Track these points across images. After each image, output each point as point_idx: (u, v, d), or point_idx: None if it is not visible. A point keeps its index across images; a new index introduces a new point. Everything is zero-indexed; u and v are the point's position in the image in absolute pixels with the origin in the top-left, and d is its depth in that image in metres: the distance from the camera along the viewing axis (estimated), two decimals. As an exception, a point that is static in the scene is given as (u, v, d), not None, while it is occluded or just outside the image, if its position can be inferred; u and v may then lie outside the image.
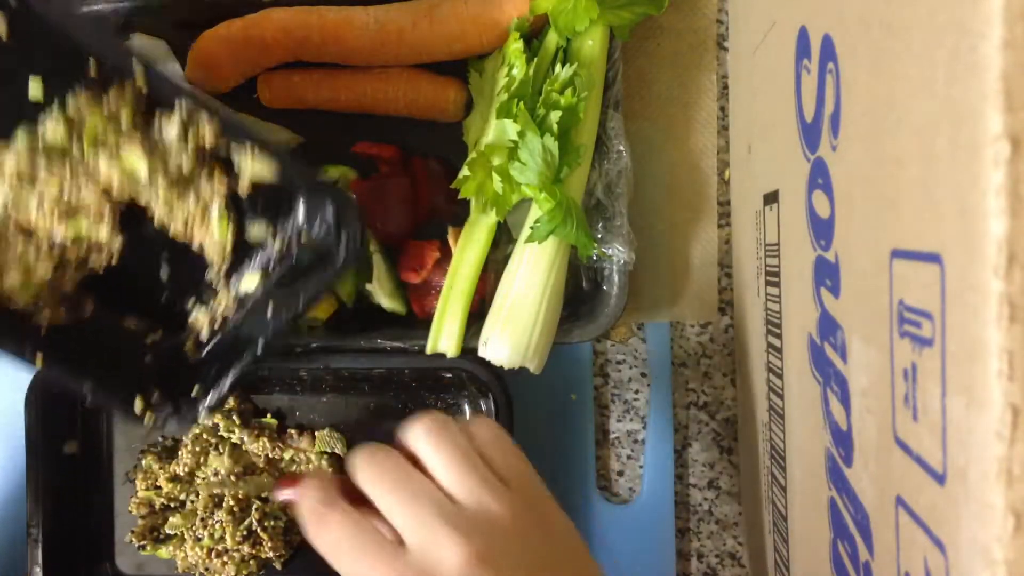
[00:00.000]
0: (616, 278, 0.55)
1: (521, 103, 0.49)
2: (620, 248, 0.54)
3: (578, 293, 0.57)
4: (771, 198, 0.47)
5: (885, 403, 0.29)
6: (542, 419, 0.61)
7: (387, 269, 0.58)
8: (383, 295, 0.58)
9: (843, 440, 0.35)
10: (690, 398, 0.62)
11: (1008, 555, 0.21)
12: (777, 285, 0.46)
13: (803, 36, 0.39)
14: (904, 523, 0.28)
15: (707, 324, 0.61)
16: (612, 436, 0.62)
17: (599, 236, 0.54)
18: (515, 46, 0.50)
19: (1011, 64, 0.21)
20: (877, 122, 0.30)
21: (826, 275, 0.36)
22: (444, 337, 0.53)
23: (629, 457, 0.62)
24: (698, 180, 0.60)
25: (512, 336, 0.50)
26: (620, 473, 0.62)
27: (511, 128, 0.49)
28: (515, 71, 0.50)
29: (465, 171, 0.52)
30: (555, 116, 0.49)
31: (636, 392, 0.62)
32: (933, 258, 0.25)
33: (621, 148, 0.54)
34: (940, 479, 0.25)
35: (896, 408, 0.29)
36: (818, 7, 0.37)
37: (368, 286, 0.57)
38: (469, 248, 0.53)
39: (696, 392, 0.62)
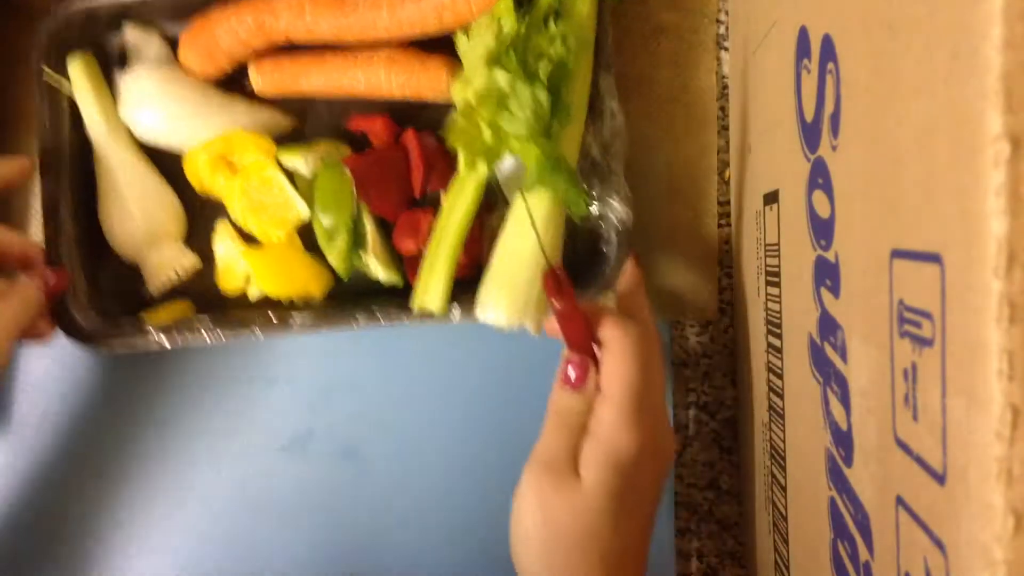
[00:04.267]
0: (614, 237, 0.54)
1: (511, 51, 0.49)
2: (616, 205, 0.53)
3: (576, 258, 0.56)
4: (771, 198, 0.47)
5: (885, 403, 0.29)
6: (542, 419, 0.61)
7: (382, 241, 0.57)
8: (379, 265, 0.57)
9: (843, 440, 0.35)
10: (690, 398, 0.62)
11: (1008, 555, 0.21)
12: (777, 285, 0.46)
13: (803, 36, 0.39)
14: (904, 523, 0.28)
15: (707, 324, 0.61)
16: (612, 436, 0.62)
17: (595, 193, 0.53)
18: (505, 3, 0.50)
19: (1011, 64, 0.21)
20: (877, 122, 0.30)
21: (826, 275, 0.36)
22: (430, 294, 0.52)
23: (629, 457, 0.62)
24: (698, 180, 0.60)
25: (509, 295, 0.49)
26: (620, 473, 0.62)
27: (501, 77, 0.48)
28: (505, 28, 0.50)
29: (455, 118, 0.51)
30: (545, 66, 0.48)
31: (636, 392, 0.62)
32: (933, 258, 0.25)
33: (614, 108, 0.53)
34: (940, 479, 0.25)
35: (896, 408, 0.29)
36: (818, 7, 0.37)
37: (364, 257, 0.57)
38: (457, 203, 0.52)
39: (696, 392, 0.62)
